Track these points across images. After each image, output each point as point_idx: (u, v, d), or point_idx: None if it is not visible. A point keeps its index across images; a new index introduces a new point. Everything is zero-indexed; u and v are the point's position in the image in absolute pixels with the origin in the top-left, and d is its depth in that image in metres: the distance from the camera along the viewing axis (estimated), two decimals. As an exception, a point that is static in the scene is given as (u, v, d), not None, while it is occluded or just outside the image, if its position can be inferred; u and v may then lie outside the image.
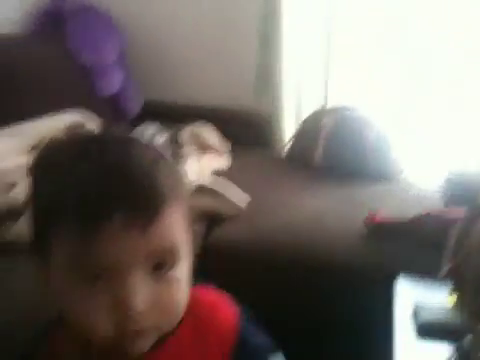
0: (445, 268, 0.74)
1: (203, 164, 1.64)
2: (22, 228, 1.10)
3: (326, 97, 2.01)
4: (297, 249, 1.28)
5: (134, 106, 1.98)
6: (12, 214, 1.16)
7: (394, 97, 1.86)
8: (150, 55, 2.12)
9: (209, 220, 1.38)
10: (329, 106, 1.88)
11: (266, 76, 2.02)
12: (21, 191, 1.17)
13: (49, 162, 0.51)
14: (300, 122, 1.95)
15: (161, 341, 0.52)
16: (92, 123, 1.38)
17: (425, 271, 1.12)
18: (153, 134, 1.73)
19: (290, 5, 1.87)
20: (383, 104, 1.84)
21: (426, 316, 0.95)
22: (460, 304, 0.73)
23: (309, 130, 1.79)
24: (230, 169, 1.72)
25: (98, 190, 0.46)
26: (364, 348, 1.12)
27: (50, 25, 1.87)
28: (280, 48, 1.94)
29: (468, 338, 0.78)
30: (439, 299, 1.02)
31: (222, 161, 1.71)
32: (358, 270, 1.19)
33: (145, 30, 2.07)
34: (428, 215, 1.22)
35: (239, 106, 2.05)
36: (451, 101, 1.78)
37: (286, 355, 0.61)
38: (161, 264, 0.49)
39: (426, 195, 1.45)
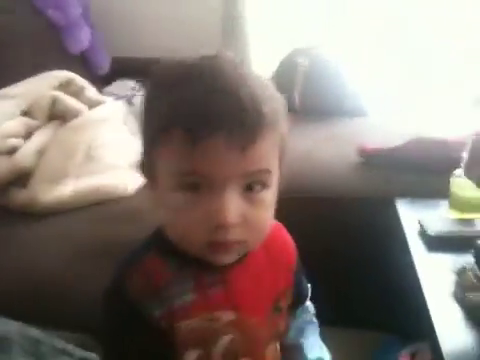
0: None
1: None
2: (31, 193, 1.11)
3: (295, 39, 2.04)
4: (295, 185, 1.33)
5: (103, 63, 1.94)
6: (18, 178, 1.15)
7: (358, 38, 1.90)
8: (113, 11, 2.05)
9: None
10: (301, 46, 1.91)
11: (232, 25, 2.02)
12: (25, 155, 1.16)
13: (162, 81, 0.55)
14: (272, 65, 1.98)
15: (240, 260, 0.58)
16: (81, 79, 1.35)
17: (420, 191, 1.24)
18: (133, 88, 1.72)
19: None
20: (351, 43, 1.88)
21: (433, 230, 1.05)
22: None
23: (285, 71, 1.83)
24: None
25: (207, 107, 0.49)
26: (377, 272, 1.21)
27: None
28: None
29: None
30: (440, 215, 1.13)
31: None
32: (358, 195, 1.27)
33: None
34: (417, 140, 1.31)
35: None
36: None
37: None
38: (253, 185, 0.53)
39: (404, 129, 1.54)
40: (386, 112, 1.78)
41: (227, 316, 0.58)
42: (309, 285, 0.77)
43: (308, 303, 0.77)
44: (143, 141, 0.57)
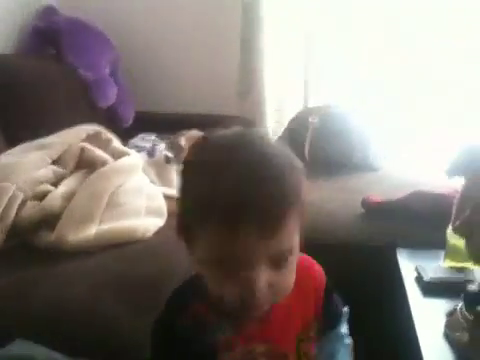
0: (456, 223, 0.89)
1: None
2: (60, 234, 1.21)
3: (306, 99, 2.18)
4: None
5: (128, 117, 2.10)
6: (47, 221, 1.26)
7: (369, 96, 2.03)
8: (139, 68, 2.24)
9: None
10: (312, 105, 2.04)
11: (248, 81, 2.17)
12: (54, 199, 1.28)
13: (198, 164, 0.62)
14: (284, 123, 2.11)
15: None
16: (107, 132, 1.49)
17: (419, 242, 1.32)
18: (154, 140, 1.86)
19: (270, 12, 2.01)
20: (361, 102, 2.01)
21: (429, 277, 1.12)
22: (470, 250, 0.89)
23: (296, 128, 1.96)
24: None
25: (241, 200, 0.56)
26: (377, 313, 1.27)
27: (43, 42, 1.97)
28: (261, 52, 2.09)
29: (472, 287, 0.94)
30: (436, 263, 1.20)
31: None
32: (360, 244, 1.35)
33: (135, 45, 2.19)
34: (418, 193, 1.40)
35: (224, 112, 2.18)
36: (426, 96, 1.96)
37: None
38: (279, 260, 0.61)
39: (407, 181, 1.64)
40: (392, 165, 1.88)
41: (261, 347, 0.67)
42: (346, 309, 0.83)
43: (343, 329, 0.83)
44: (181, 215, 0.64)
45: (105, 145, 1.46)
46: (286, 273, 0.62)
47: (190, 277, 0.70)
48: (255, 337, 0.67)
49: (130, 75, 2.18)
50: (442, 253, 1.22)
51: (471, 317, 0.91)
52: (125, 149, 1.50)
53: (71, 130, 1.46)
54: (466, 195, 0.87)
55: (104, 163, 1.37)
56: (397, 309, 1.10)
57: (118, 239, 1.25)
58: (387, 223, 1.40)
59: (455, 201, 0.90)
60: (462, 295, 0.96)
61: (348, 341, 0.83)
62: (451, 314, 0.97)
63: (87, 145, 1.41)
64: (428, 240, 1.30)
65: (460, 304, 0.97)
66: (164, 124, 2.11)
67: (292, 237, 0.61)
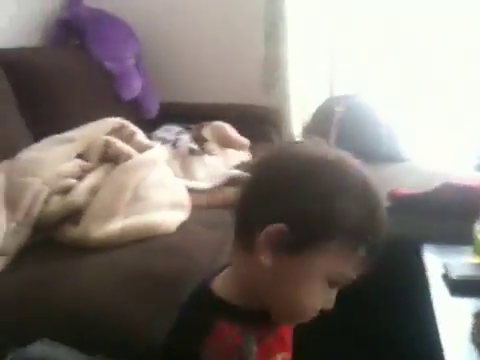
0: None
1: (227, 158, 1.77)
2: (84, 229, 1.23)
3: (332, 88, 2.15)
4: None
5: (153, 108, 2.10)
6: (71, 216, 1.27)
7: (395, 86, 1.98)
8: (163, 60, 2.23)
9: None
10: (338, 95, 2.01)
11: (273, 70, 2.14)
12: (79, 194, 1.29)
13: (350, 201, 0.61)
14: (309, 113, 2.08)
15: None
16: (132, 125, 1.49)
17: (447, 238, 1.28)
18: (178, 132, 1.85)
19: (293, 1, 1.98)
20: (385, 93, 1.96)
21: (456, 274, 1.09)
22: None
23: (322, 118, 1.93)
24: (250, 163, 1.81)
25: (381, 225, 0.63)
26: (403, 313, 1.25)
27: (68, 34, 1.98)
28: (285, 42, 2.06)
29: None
30: (465, 260, 1.17)
31: (244, 155, 1.83)
32: (386, 240, 1.32)
33: (158, 36, 2.18)
34: (446, 185, 1.36)
35: (248, 102, 2.16)
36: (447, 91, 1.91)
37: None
38: None
39: (435, 173, 1.59)
40: (420, 156, 1.83)
41: (279, 358, 0.69)
42: None
43: None
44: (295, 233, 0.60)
45: (129, 138, 1.46)
46: None
47: (204, 289, 0.67)
48: (274, 349, 0.68)
49: (154, 66, 2.18)
50: (471, 249, 1.19)
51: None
52: (149, 142, 1.50)
53: (96, 124, 1.46)
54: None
55: (128, 157, 1.37)
56: (421, 308, 1.07)
57: (142, 234, 1.26)
58: (413, 217, 1.36)
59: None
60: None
61: None
62: (479, 315, 0.95)
63: (111, 138, 1.41)
64: (457, 235, 1.26)
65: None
66: (188, 115, 2.11)
67: None
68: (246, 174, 1.57)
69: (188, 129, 1.89)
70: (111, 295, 1.03)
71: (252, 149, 1.91)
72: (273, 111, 2.18)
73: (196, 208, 1.44)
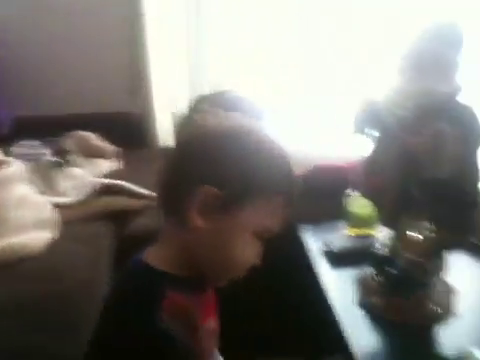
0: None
1: (95, 168, 1.67)
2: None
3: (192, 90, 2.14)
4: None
5: (4, 123, 1.91)
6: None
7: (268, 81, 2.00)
8: (16, 70, 2.05)
9: (118, 217, 1.42)
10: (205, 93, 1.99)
11: (136, 77, 2.09)
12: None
13: (236, 147, 0.66)
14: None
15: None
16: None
17: (322, 216, 1.33)
18: (37, 146, 1.71)
19: (154, 7, 1.95)
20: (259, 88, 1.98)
21: (337, 247, 1.14)
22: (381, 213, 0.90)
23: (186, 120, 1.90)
24: (120, 171, 1.73)
25: (293, 181, 0.69)
26: (292, 294, 1.27)
27: None
28: (147, 48, 2.02)
29: (379, 249, 0.96)
30: (341, 234, 1.22)
31: (111, 164, 1.74)
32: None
33: (9, 46, 2.00)
34: (315, 168, 1.41)
35: (112, 110, 2.08)
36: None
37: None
38: None
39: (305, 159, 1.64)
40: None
41: (212, 323, 0.74)
42: None
43: None
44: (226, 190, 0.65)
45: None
46: None
47: (142, 265, 0.68)
48: (207, 314, 0.72)
49: (5, 79, 1.99)
50: (345, 224, 1.24)
51: (382, 279, 0.92)
52: (3, 158, 1.35)
53: None
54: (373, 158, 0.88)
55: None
56: (310, 286, 1.09)
57: (6, 258, 1.12)
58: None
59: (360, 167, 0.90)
60: (370, 260, 0.97)
61: None
62: (361, 281, 0.98)
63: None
64: (330, 212, 1.31)
65: (369, 270, 0.98)
66: (50, 128, 1.95)
67: None
68: (117, 182, 1.50)
69: (48, 142, 1.75)
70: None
71: (125, 157, 1.83)
72: (139, 117, 2.12)
73: (66, 224, 1.33)
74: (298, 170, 1.41)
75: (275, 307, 1.31)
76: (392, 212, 0.84)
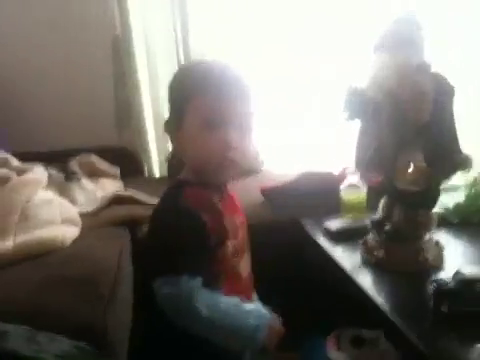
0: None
1: (102, 186, 1.79)
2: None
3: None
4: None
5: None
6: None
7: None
8: (9, 110, 2.17)
9: (128, 224, 1.53)
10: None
11: (126, 112, 2.23)
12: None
13: (188, 68, 1.02)
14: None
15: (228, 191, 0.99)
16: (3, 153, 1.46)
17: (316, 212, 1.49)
18: (45, 167, 1.81)
19: (141, 43, 2.12)
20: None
21: (335, 227, 1.31)
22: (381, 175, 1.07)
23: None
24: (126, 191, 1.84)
25: (225, 78, 0.88)
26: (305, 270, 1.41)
27: None
28: (136, 87, 2.17)
29: (375, 216, 1.13)
30: (336, 220, 1.39)
31: (116, 184, 1.87)
32: (267, 223, 1.48)
33: (4, 84, 2.14)
34: (305, 174, 1.60)
35: (104, 144, 2.20)
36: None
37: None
38: (245, 123, 0.89)
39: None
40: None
41: (239, 218, 0.97)
42: None
43: None
44: (171, 108, 0.94)
45: (4, 164, 1.42)
46: (246, 141, 0.90)
47: (171, 186, 0.92)
48: (233, 209, 0.96)
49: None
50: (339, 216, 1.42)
51: (382, 236, 1.09)
52: (26, 165, 1.47)
53: None
54: (362, 138, 1.06)
55: (8, 179, 1.33)
56: (320, 261, 1.24)
57: (35, 251, 1.22)
58: (287, 203, 1.55)
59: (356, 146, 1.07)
60: (370, 222, 1.14)
61: None
62: (364, 243, 1.15)
63: (-16, 164, 1.36)
64: (322, 211, 1.48)
65: (369, 234, 1.15)
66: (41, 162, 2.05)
67: (252, 116, 0.90)
68: (127, 192, 1.63)
69: (52, 166, 1.86)
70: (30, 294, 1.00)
71: (124, 182, 1.95)
72: (129, 151, 2.24)
73: (85, 229, 1.44)
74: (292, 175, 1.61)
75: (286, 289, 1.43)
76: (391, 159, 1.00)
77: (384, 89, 0.95)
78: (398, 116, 0.94)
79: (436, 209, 1.08)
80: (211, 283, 0.84)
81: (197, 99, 0.87)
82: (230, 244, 0.89)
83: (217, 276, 0.88)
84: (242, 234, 0.96)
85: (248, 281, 1.00)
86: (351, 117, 1.01)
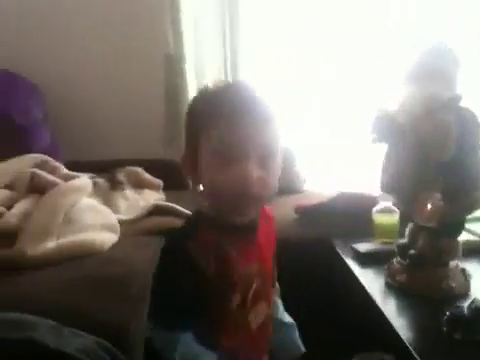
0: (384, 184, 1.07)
1: (145, 197, 1.87)
2: (19, 248, 1.24)
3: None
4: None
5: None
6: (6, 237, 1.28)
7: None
8: (65, 118, 2.32)
9: (165, 234, 1.59)
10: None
11: (175, 127, 2.33)
12: (10, 217, 1.31)
13: (203, 93, 0.84)
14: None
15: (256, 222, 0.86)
16: (54, 160, 1.56)
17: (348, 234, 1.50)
18: (93, 176, 1.92)
19: (191, 61, 2.22)
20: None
21: (363, 250, 1.31)
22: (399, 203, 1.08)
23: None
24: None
25: (239, 105, 0.77)
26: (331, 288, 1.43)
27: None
28: (185, 103, 2.27)
29: (402, 240, 1.13)
30: (366, 243, 1.39)
31: (157, 195, 1.95)
32: (299, 240, 1.50)
33: (61, 95, 2.29)
34: (341, 194, 1.61)
35: (150, 157, 2.30)
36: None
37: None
38: (267, 157, 0.78)
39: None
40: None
41: (255, 267, 0.85)
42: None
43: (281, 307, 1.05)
44: (186, 136, 0.85)
45: (53, 171, 1.52)
46: (270, 173, 0.79)
47: (188, 218, 0.87)
48: (251, 258, 0.84)
49: (56, 125, 2.25)
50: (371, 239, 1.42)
51: (406, 261, 1.09)
52: (74, 173, 1.57)
53: (18, 159, 1.51)
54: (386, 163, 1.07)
55: (56, 185, 1.43)
56: (347, 281, 1.26)
57: (77, 252, 1.30)
58: (320, 221, 1.57)
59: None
60: (395, 246, 1.14)
61: (288, 319, 1.02)
62: (389, 266, 1.15)
63: (37, 170, 1.46)
64: (355, 232, 1.49)
65: (394, 258, 1.16)
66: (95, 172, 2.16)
67: (276, 142, 0.80)
68: (166, 203, 1.70)
69: (100, 175, 1.96)
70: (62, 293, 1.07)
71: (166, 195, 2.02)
72: (175, 164, 2.32)
73: (123, 236, 1.51)
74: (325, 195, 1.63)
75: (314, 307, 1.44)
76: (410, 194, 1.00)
77: (410, 122, 0.96)
78: (420, 152, 0.94)
79: (469, 237, 1.07)
80: (206, 330, 0.79)
81: (208, 131, 0.77)
82: (236, 299, 0.82)
83: (214, 324, 0.80)
84: (261, 282, 0.86)
85: (261, 332, 0.88)
86: (379, 140, 1.03)
